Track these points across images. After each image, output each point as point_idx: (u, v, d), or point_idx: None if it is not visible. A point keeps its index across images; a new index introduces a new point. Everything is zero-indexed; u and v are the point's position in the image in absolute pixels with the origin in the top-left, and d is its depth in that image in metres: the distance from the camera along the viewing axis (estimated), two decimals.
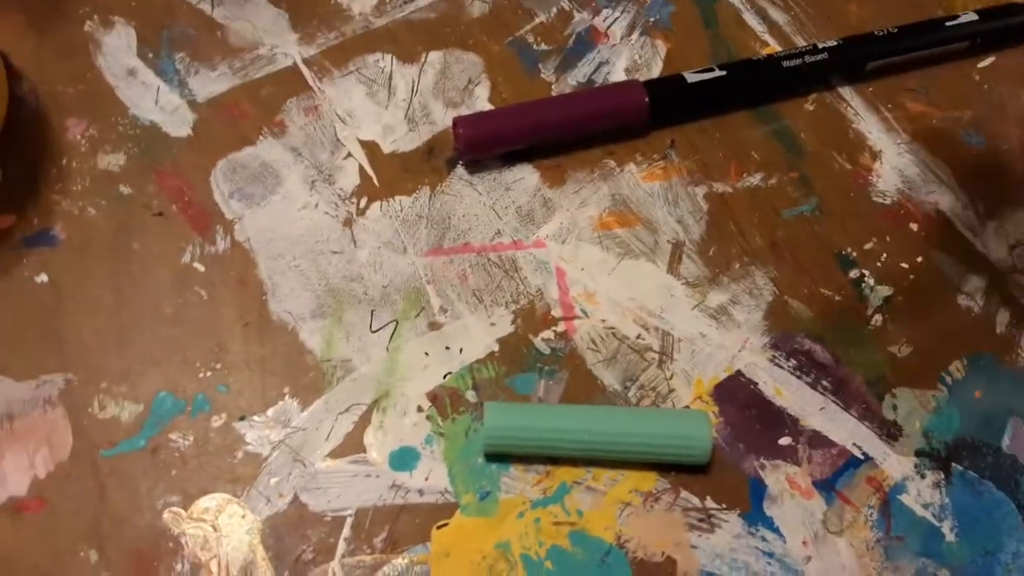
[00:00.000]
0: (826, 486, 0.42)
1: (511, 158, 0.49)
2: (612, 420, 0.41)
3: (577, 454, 0.41)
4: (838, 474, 0.43)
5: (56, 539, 0.39)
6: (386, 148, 0.49)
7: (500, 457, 0.42)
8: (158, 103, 0.49)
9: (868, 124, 0.51)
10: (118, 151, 0.48)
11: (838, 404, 0.44)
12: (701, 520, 0.41)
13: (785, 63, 0.50)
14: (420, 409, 0.42)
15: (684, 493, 0.41)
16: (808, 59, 0.51)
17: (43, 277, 0.44)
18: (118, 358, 0.43)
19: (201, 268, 0.45)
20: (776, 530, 0.41)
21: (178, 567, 0.38)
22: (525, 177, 0.48)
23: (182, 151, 0.48)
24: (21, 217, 0.46)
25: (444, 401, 0.43)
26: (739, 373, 0.44)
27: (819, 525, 0.41)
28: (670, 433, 0.40)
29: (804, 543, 0.41)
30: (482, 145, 0.47)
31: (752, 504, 0.41)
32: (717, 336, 0.45)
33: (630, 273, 0.46)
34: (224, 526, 0.39)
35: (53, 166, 0.47)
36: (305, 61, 0.51)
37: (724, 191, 0.49)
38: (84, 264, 0.45)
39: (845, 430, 0.43)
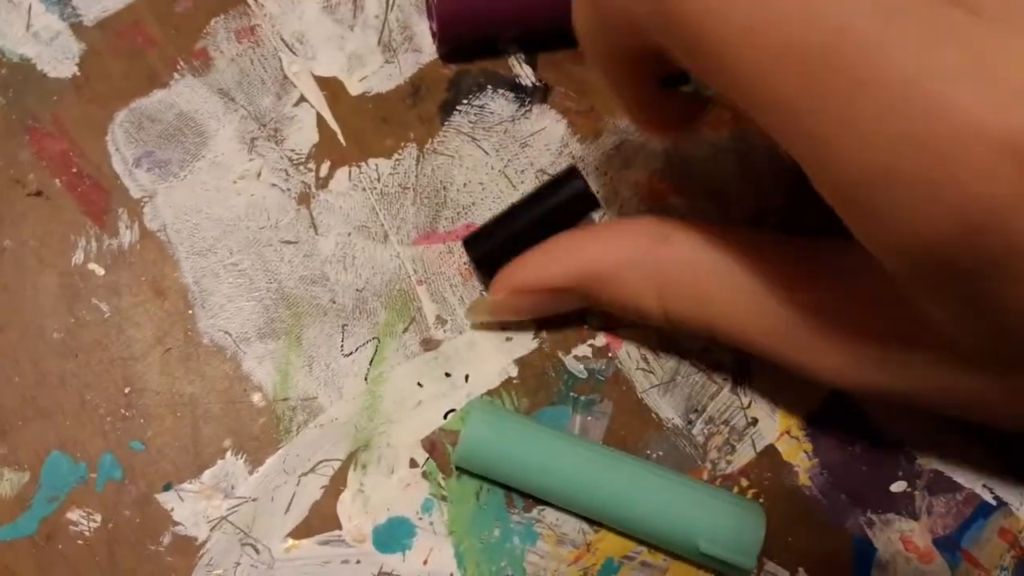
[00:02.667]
0: (949, 544, 0.31)
1: (519, 91, 0.34)
2: (629, 488, 0.29)
3: (572, 509, 0.29)
4: (964, 527, 0.31)
5: None
6: (353, 88, 0.34)
7: (525, 533, 0.30)
8: (30, 28, 0.34)
9: None
10: None
11: (966, 433, 0.32)
12: None
13: None
14: (414, 464, 0.30)
15: (770, 564, 0.30)
16: None
17: None
18: None
19: (100, 271, 0.31)
20: None
21: None
22: (547, 127, 0.34)
23: (65, 98, 0.33)
24: None
25: (445, 450, 0.30)
26: (838, 395, 0.32)
27: None
28: (705, 535, 0.28)
29: None
30: (465, 19, 0.33)
31: (857, 574, 0.30)
32: None
33: None
34: None
35: None
36: None
37: None
38: None
39: (975, 467, 0.31)
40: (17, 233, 0.31)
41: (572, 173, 0.30)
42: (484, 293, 0.32)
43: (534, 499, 0.30)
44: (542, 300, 0.29)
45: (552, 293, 0.29)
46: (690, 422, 0.31)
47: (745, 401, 0.32)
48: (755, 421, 0.32)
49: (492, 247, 0.30)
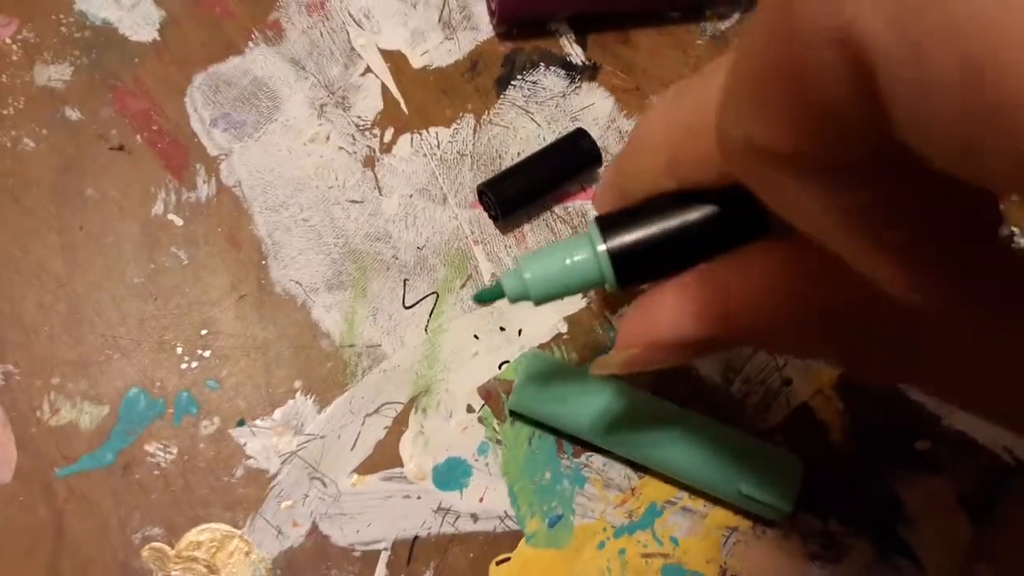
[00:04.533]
0: (972, 501, 0.32)
1: (570, 68, 0.36)
2: (675, 433, 0.30)
3: (620, 453, 0.31)
4: (985, 486, 0.33)
5: None
6: (415, 61, 0.36)
7: (574, 476, 0.31)
8: None
9: None
10: (61, 61, 0.34)
11: None
12: (825, 547, 0.31)
13: None
14: (470, 409, 0.31)
15: (803, 515, 0.31)
16: None
17: None
18: (73, 343, 0.31)
19: (178, 221, 0.33)
20: (914, 558, 0.31)
21: None
22: (596, 103, 0.36)
23: (147, 61, 0.35)
24: None
25: (500, 398, 0.32)
26: None
27: (964, 551, 0.31)
28: (746, 479, 0.30)
29: (947, 573, 0.31)
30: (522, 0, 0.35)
31: (886, 525, 0.32)
32: None
33: None
34: (223, 566, 0.29)
35: None
36: None
37: None
38: (21, 215, 0.32)
39: (995, 430, 0.33)
40: (100, 184, 0.33)
41: (579, 132, 0.33)
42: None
43: (583, 445, 0.31)
44: (682, 352, 0.22)
45: (695, 344, 0.21)
46: (728, 381, 0.33)
47: (780, 362, 0.33)
48: (789, 381, 0.33)
49: (504, 190, 0.33)
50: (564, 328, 0.33)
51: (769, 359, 0.33)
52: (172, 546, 0.29)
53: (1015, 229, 0.36)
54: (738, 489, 0.30)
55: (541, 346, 0.33)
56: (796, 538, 0.31)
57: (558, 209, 0.34)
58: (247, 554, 0.29)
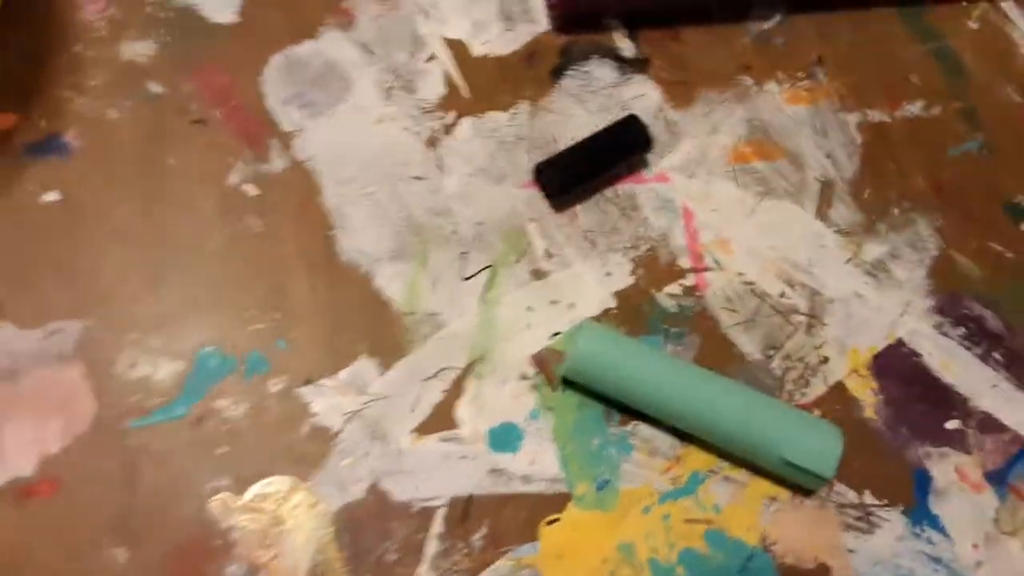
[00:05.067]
0: (998, 478, 0.34)
1: (622, 61, 0.38)
2: (720, 401, 0.31)
3: (668, 421, 0.32)
4: (1011, 464, 0.34)
5: (73, 533, 0.29)
6: (476, 50, 0.38)
7: (620, 444, 0.33)
8: None
9: None
10: (146, 38, 0.36)
11: (1011, 381, 0.35)
12: (859, 519, 0.32)
13: None
14: (524, 377, 0.33)
15: (839, 486, 0.33)
16: None
17: (53, 195, 0.33)
18: (151, 302, 0.32)
19: (253, 191, 0.34)
20: (944, 531, 0.33)
21: (230, 569, 0.29)
22: (646, 94, 0.38)
23: (226, 41, 0.37)
24: (24, 118, 0.34)
25: (552, 367, 0.33)
26: (900, 342, 0.35)
27: (990, 525, 0.33)
28: (789, 446, 0.31)
29: (974, 546, 0.32)
30: None
31: (917, 499, 0.33)
32: (875, 296, 0.36)
33: (772, 217, 0.36)
34: (288, 518, 0.30)
35: (63, 54, 0.36)
36: None
37: (880, 120, 0.39)
38: (105, 181, 0.34)
39: (1020, 412, 0.35)
40: (180, 154, 0.35)
41: (632, 118, 0.35)
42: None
43: (630, 414, 0.33)
44: None
45: None
46: (768, 357, 0.35)
47: (818, 342, 0.35)
48: (826, 359, 0.35)
49: (559, 169, 0.35)
50: (613, 303, 0.34)
51: (807, 338, 0.35)
52: (240, 497, 0.30)
53: None
54: (780, 456, 0.31)
55: (592, 319, 0.34)
56: (832, 509, 0.32)
57: (608, 192, 0.36)
58: (312, 506, 0.31)
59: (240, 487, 0.30)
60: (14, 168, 0.34)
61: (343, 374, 0.32)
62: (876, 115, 0.39)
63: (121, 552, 0.29)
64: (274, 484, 0.31)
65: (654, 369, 0.32)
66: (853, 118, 0.39)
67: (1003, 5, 0.42)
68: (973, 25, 0.42)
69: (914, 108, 0.39)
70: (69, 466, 0.30)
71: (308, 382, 0.32)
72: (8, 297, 0.32)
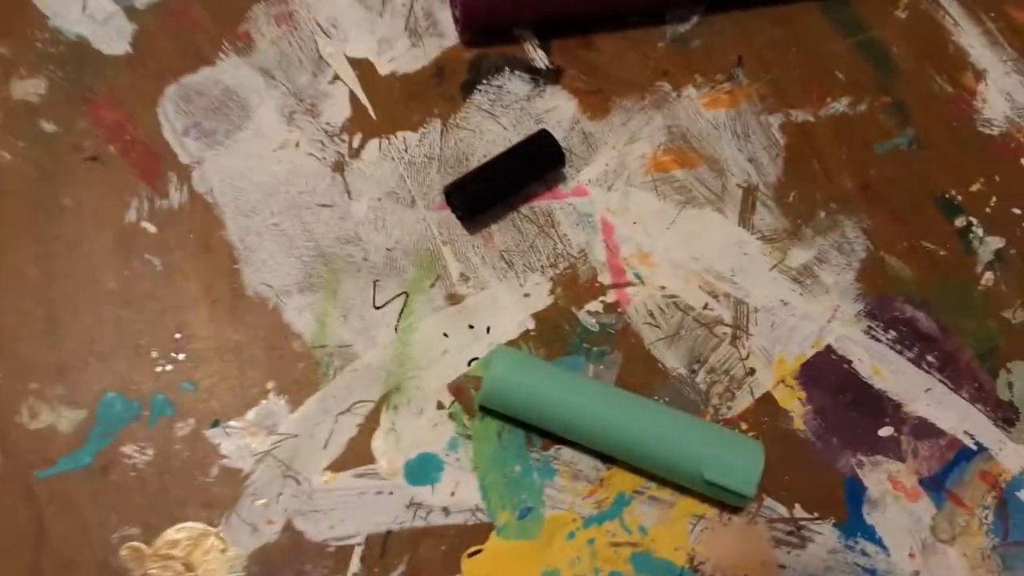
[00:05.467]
0: (935, 485, 0.33)
1: (535, 72, 0.37)
2: (640, 423, 0.31)
3: (589, 444, 0.32)
4: (948, 470, 0.34)
5: None
6: (383, 68, 0.37)
7: (543, 469, 0.32)
8: (86, 10, 0.37)
9: (969, 37, 0.40)
10: (37, 75, 0.35)
11: (946, 384, 0.35)
12: (790, 533, 0.32)
13: None
14: (441, 406, 0.32)
15: (768, 501, 0.32)
16: None
17: None
18: (50, 349, 0.32)
19: (152, 228, 0.34)
20: (878, 541, 0.32)
21: None
22: (560, 105, 0.37)
23: (120, 74, 0.36)
24: None
25: (470, 394, 0.32)
26: (829, 349, 0.35)
27: (927, 533, 0.32)
28: (709, 465, 0.31)
29: (911, 555, 0.32)
30: (486, 6, 0.36)
31: (849, 511, 0.33)
32: (802, 303, 0.35)
33: (693, 226, 0.36)
34: (199, 564, 0.30)
35: None
36: None
37: (804, 120, 0.38)
38: (0, 225, 0.33)
39: (955, 415, 0.34)
40: (75, 193, 0.34)
41: (543, 133, 0.34)
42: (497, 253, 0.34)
43: (551, 438, 0.32)
44: None
45: None
46: (693, 371, 0.34)
47: (743, 353, 0.34)
48: (752, 371, 0.34)
49: (470, 190, 0.34)
50: (531, 325, 0.34)
51: (733, 349, 0.34)
52: (149, 545, 0.30)
53: (973, 220, 0.37)
54: (702, 475, 0.30)
55: (509, 343, 0.33)
56: (762, 524, 0.32)
57: (524, 209, 0.35)
58: (223, 551, 0.30)
59: (150, 535, 0.30)
60: None
61: (252, 414, 0.32)
62: (799, 115, 0.38)
63: None
64: (184, 530, 0.30)
65: (572, 392, 0.31)
66: (776, 119, 0.38)
67: None
68: (901, 15, 0.41)
69: (839, 105, 0.38)
70: None
71: (216, 424, 0.31)
72: None
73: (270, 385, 0.32)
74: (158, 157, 0.34)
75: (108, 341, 0.32)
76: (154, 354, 0.32)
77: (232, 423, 0.31)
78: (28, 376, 0.31)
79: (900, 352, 0.35)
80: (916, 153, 0.38)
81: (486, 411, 0.32)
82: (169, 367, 0.32)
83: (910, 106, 0.39)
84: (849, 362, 0.35)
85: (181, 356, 0.32)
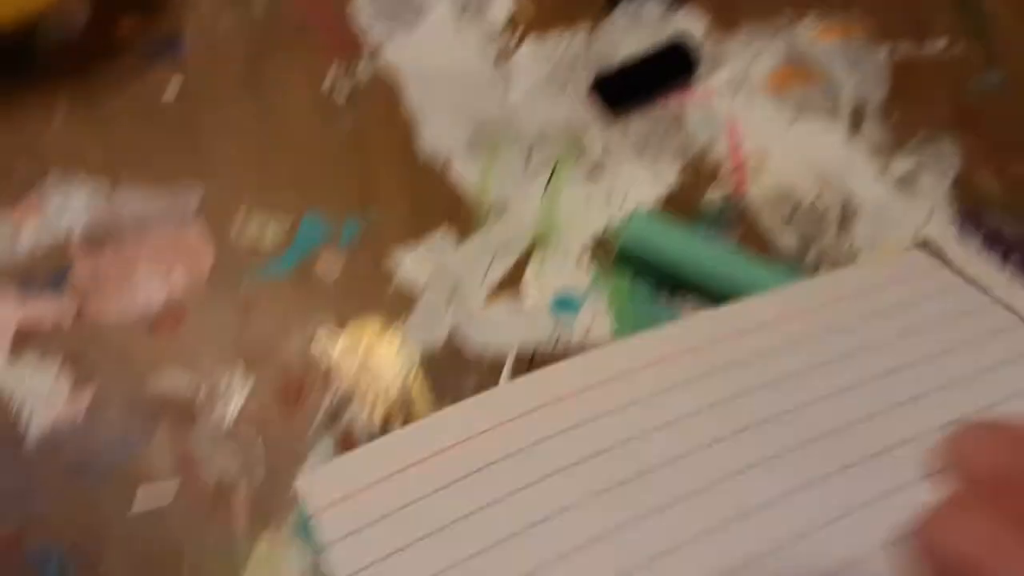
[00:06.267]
0: None
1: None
2: (764, 283, 0.36)
3: (715, 292, 0.36)
4: None
5: (196, 358, 0.34)
6: None
7: (669, 317, 0.37)
8: None
9: None
10: None
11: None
12: None
13: None
14: (583, 254, 0.37)
15: None
16: None
17: (172, 90, 0.39)
18: (260, 178, 0.38)
19: (344, 94, 0.40)
20: None
21: (328, 396, 0.34)
22: (691, 26, 0.43)
23: None
24: (147, 22, 0.41)
25: (608, 248, 0.38)
26: (926, 243, 0.39)
27: None
28: None
29: None
30: None
31: None
32: (902, 204, 0.40)
33: (807, 132, 0.41)
34: (379, 355, 0.35)
35: None
36: None
37: (907, 53, 0.43)
38: (217, 80, 0.40)
39: None
40: (276, 60, 0.40)
41: (678, 43, 0.41)
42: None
43: (678, 291, 0.37)
44: None
45: None
46: (804, 251, 0.39)
47: (849, 241, 0.39)
48: (857, 256, 0.39)
49: (612, 84, 0.40)
50: (660, 204, 0.39)
51: (840, 236, 0.39)
52: (336, 340, 0.35)
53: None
54: None
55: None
56: None
57: (658, 106, 0.41)
58: (400, 347, 0.35)
59: (338, 327, 0.35)
60: (136, 67, 0.39)
61: (424, 244, 0.37)
62: (903, 48, 0.43)
63: (236, 377, 0.34)
64: (368, 326, 0.35)
65: (702, 249, 0.36)
66: (882, 51, 0.43)
67: None
68: None
69: (939, 44, 0.44)
70: (192, 305, 0.35)
71: (395, 249, 0.37)
72: (138, 170, 0.37)
73: (440, 225, 0.38)
74: (353, 34, 0.41)
75: (307, 177, 0.38)
76: (345, 192, 0.38)
77: (408, 250, 0.37)
78: (240, 194, 0.37)
79: (987, 253, 0.39)
80: (1008, 90, 0.43)
81: (623, 261, 0.38)
82: (357, 204, 0.38)
83: (1000, 52, 0.44)
84: (943, 257, 0.39)
85: (366, 196, 0.38)
